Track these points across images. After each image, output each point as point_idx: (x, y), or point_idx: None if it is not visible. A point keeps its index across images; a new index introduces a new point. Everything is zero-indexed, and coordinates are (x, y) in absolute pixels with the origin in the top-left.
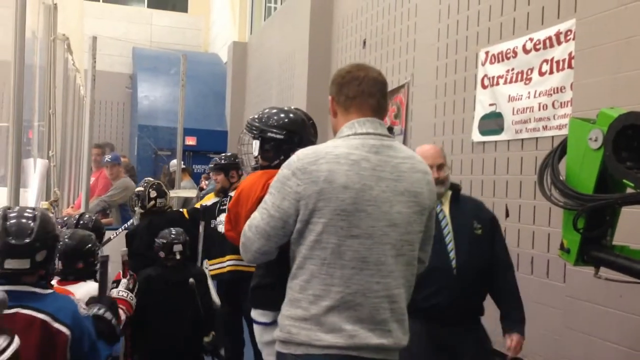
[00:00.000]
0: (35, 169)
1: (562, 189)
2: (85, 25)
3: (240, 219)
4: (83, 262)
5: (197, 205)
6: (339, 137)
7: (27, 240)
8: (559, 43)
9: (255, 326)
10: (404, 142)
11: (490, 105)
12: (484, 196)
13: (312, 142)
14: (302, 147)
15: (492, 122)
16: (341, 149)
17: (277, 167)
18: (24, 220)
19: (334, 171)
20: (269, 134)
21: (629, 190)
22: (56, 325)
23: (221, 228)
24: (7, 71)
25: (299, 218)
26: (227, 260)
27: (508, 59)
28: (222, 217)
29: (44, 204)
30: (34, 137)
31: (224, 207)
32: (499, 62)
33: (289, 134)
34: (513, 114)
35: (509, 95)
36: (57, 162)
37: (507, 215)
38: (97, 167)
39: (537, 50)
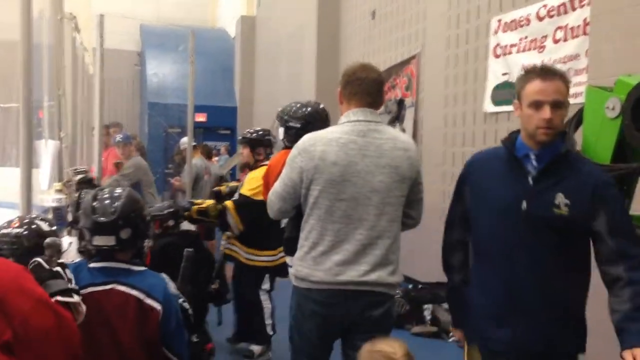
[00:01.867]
0: (46, 150)
1: None
2: (91, 2)
3: (269, 187)
4: None
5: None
6: (338, 124)
7: (110, 218)
8: (574, 9)
9: (290, 269)
10: (415, 113)
11: (503, 74)
12: None
13: (323, 127)
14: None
15: (505, 92)
16: (334, 134)
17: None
18: (109, 201)
19: (326, 151)
20: (290, 123)
21: None
22: (149, 301)
23: None
24: (15, 51)
25: (302, 185)
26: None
27: (521, 26)
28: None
29: (57, 185)
30: (44, 118)
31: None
32: (511, 30)
33: (304, 123)
34: None
35: (523, 64)
36: (68, 143)
37: None
38: (105, 147)
39: (551, 17)
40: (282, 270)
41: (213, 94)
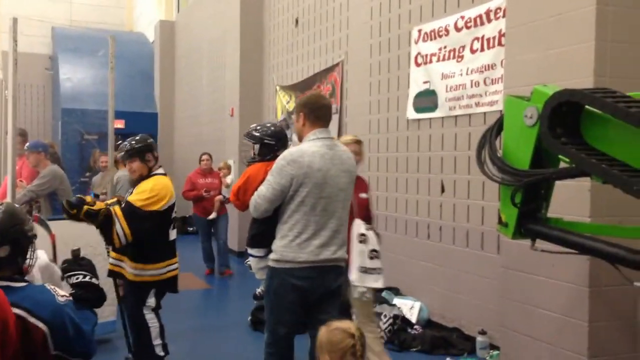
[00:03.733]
0: None
1: (499, 165)
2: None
3: (248, 193)
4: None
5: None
6: (309, 140)
7: None
8: (489, 21)
9: (252, 259)
10: (340, 120)
11: (424, 82)
12: (420, 172)
13: (286, 143)
14: (281, 149)
15: (426, 100)
16: (313, 148)
17: (268, 160)
18: None
19: (312, 161)
20: (265, 141)
21: (563, 165)
22: (32, 320)
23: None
24: None
25: (291, 189)
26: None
27: (440, 36)
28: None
29: None
30: None
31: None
32: (431, 40)
33: (276, 140)
34: (446, 91)
35: (442, 73)
36: None
37: (442, 190)
38: (20, 155)
39: (468, 28)
40: (170, 284)
41: (132, 100)
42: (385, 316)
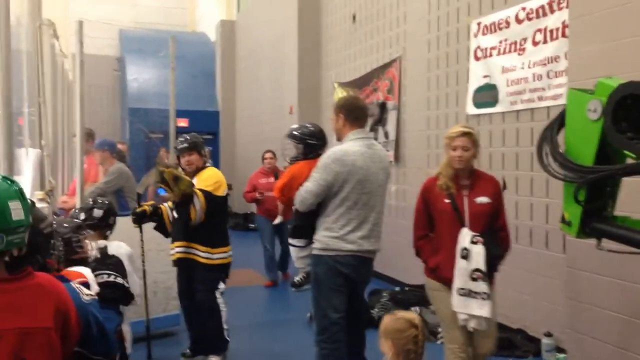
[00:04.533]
0: (28, 159)
1: (561, 161)
2: (68, 8)
3: (293, 189)
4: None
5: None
6: (350, 140)
7: None
8: (552, 11)
9: (292, 248)
10: (398, 116)
11: (484, 77)
12: (480, 169)
13: (326, 142)
14: (322, 147)
15: (487, 94)
16: (355, 147)
17: (311, 158)
18: None
19: (355, 160)
20: (308, 141)
21: (629, 161)
22: None
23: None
24: None
25: (335, 185)
26: (176, 247)
27: (501, 29)
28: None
29: (39, 194)
30: (24, 126)
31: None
32: (491, 33)
33: (317, 140)
34: (507, 85)
35: (503, 67)
36: (50, 151)
37: (504, 187)
38: (87, 154)
39: (530, 19)
40: (228, 269)
41: (195, 99)
42: None
